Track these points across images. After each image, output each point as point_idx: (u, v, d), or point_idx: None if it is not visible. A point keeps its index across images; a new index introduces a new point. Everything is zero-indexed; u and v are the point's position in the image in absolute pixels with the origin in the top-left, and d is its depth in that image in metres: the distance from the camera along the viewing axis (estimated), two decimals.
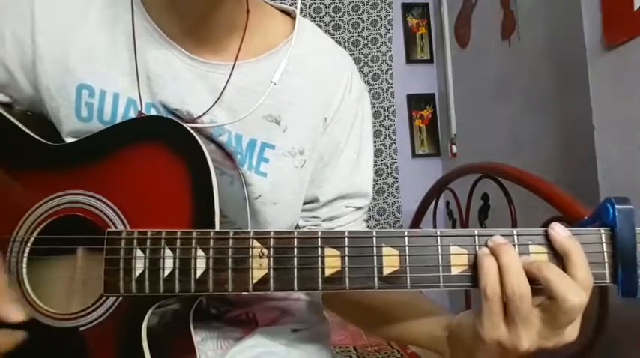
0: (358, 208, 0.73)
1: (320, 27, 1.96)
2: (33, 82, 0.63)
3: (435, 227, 1.80)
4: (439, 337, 0.58)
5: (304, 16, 2.20)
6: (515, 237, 0.48)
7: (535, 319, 0.45)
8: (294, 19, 0.69)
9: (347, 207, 0.72)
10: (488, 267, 0.46)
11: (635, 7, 0.93)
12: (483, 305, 0.47)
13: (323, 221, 0.72)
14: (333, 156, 0.70)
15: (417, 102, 2.40)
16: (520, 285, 0.45)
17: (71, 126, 0.63)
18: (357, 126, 0.72)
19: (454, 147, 2.23)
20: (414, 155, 2.38)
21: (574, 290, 0.44)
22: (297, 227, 0.73)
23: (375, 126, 2.25)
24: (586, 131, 1.08)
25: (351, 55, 0.75)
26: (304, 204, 0.71)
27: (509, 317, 0.46)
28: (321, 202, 0.71)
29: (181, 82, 0.63)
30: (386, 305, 0.65)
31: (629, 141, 0.97)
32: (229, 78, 0.63)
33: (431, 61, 2.42)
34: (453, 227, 2.14)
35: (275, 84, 0.63)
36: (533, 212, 1.06)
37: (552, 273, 0.45)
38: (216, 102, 0.63)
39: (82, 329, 0.54)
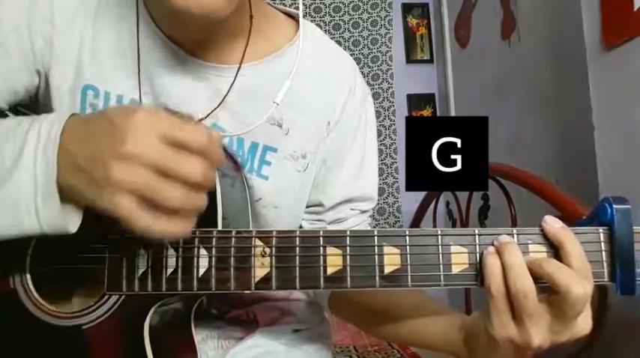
0: (363, 211, 0.73)
1: (320, 26, 1.96)
2: (46, 83, 0.62)
3: (435, 227, 1.80)
4: (455, 339, 0.58)
5: (304, 15, 2.20)
6: (515, 236, 0.48)
7: (543, 314, 0.46)
8: (297, 21, 0.69)
9: (352, 209, 0.72)
10: (492, 265, 0.47)
11: (635, 7, 0.93)
12: (490, 304, 0.47)
13: (328, 224, 0.71)
14: (336, 161, 0.70)
15: (417, 102, 2.40)
16: (524, 283, 0.45)
17: None
18: (361, 131, 0.71)
19: None
20: None
21: (576, 281, 0.44)
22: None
23: None
24: (586, 131, 1.08)
25: (351, 54, 0.75)
26: (309, 207, 0.71)
27: (517, 315, 0.46)
28: (327, 206, 0.70)
29: (183, 84, 0.62)
30: (397, 308, 0.64)
31: (629, 141, 0.97)
32: (233, 81, 0.63)
33: (431, 61, 2.42)
34: (453, 227, 2.14)
35: (277, 104, 0.63)
36: (533, 212, 1.06)
37: (552, 267, 0.46)
38: (218, 106, 0.62)
39: (84, 327, 0.54)
